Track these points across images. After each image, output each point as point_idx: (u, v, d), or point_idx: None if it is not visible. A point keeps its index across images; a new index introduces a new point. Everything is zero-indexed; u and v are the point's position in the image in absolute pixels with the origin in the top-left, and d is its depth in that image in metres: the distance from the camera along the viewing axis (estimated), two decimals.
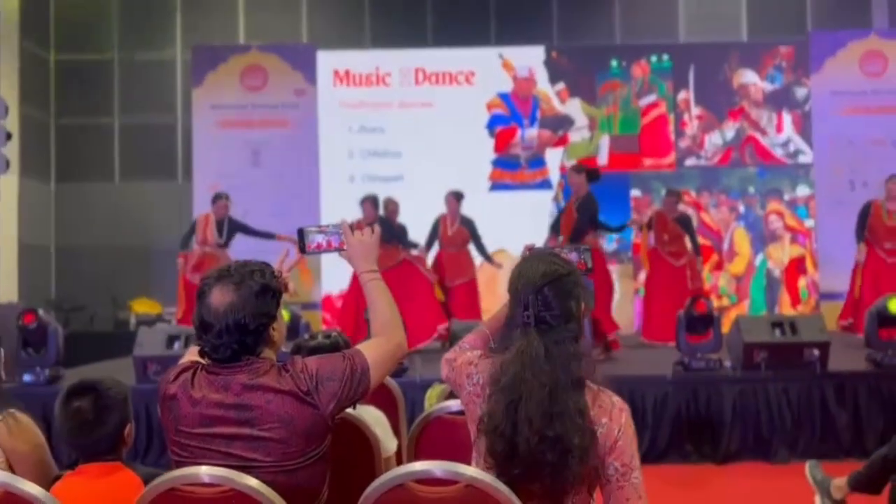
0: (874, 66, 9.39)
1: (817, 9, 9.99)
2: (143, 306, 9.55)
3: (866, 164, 9.08)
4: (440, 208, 7.57)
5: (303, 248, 2.15)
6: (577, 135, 9.58)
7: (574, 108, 9.57)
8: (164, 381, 1.90)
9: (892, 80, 9.36)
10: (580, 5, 10.05)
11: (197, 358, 1.98)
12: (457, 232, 7.59)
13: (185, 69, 10.06)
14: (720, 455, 5.07)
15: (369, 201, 7.22)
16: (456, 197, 7.58)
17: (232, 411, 1.81)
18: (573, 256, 1.99)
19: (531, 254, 1.94)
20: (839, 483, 3.41)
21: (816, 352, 5.16)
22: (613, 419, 1.74)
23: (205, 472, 1.72)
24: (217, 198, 7.58)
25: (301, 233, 2.14)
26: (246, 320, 1.83)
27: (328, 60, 9.54)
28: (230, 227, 7.54)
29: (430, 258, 7.56)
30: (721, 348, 5.45)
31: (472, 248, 7.65)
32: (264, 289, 1.87)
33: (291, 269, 2.19)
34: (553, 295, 1.78)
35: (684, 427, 5.15)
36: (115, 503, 1.85)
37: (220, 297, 1.84)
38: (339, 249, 2.12)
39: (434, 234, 7.62)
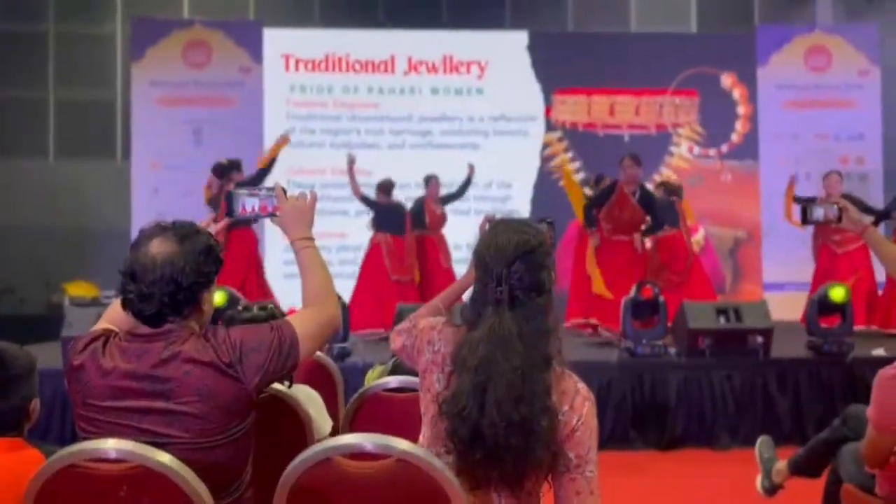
0: (818, 60, 9.53)
1: (764, 2, 10.11)
2: (78, 289, 9.19)
3: (809, 158, 9.23)
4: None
5: (231, 212, 2.02)
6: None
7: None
8: (72, 350, 1.74)
9: (836, 75, 9.52)
10: None
11: (110, 325, 1.83)
12: (442, 213, 7.56)
13: (125, 43, 9.69)
14: (664, 441, 5.08)
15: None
16: (434, 179, 7.53)
17: (145, 382, 1.66)
18: (541, 228, 1.88)
19: (498, 223, 1.79)
20: (780, 467, 3.40)
21: (760, 338, 5.20)
22: (575, 408, 1.63)
23: (111, 446, 1.56)
24: (228, 169, 6.88)
25: (230, 196, 2.01)
26: (182, 276, 1.69)
27: (275, 38, 9.28)
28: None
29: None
30: (667, 334, 5.45)
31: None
32: (208, 249, 1.75)
33: (219, 235, 2.04)
34: (525, 268, 1.67)
35: (629, 413, 5.14)
36: (16, 483, 1.68)
37: (159, 246, 1.71)
38: (272, 214, 1.99)
39: (418, 217, 7.51)
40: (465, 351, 1.64)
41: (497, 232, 1.74)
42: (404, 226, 7.39)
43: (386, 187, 7.44)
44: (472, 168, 7.82)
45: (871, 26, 9.35)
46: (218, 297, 5.19)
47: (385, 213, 7.38)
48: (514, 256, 1.67)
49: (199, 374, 1.66)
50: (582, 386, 1.67)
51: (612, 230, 6.52)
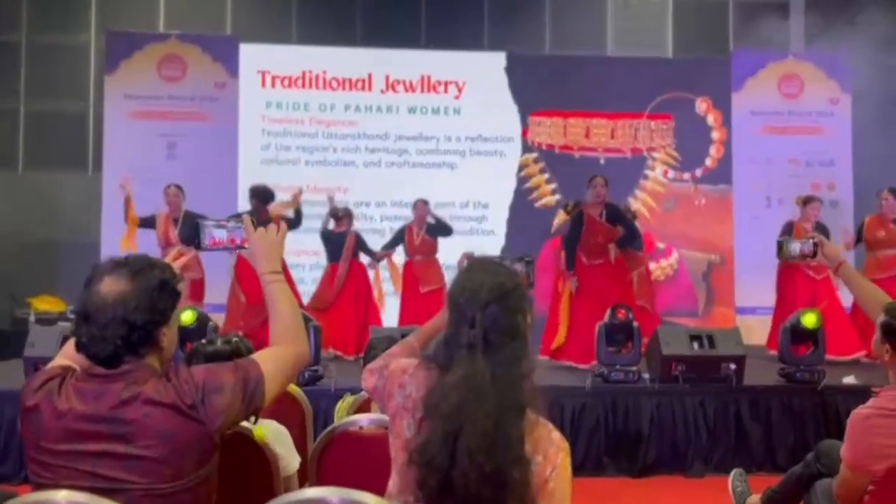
0: (791, 87, 9.66)
1: (739, 29, 10.24)
2: (44, 304, 9.01)
3: (782, 183, 9.34)
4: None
5: (199, 244, 1.96)
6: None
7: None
8: (28, 389, 1.67)
9: (808, 102, 9.65)
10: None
11: (67, 362, 1.76)
12: (423, 240, 7.50)
13: (99, 55, 9.57)
14: (637, 468, 5.05)
15: (250, 190, 7.03)
16: (424, 203, 7.50)
17: (103, 425, 1.59)
18: (518, 268, 1.83)
19: (473, 263, 1.76)
20: (753, 501, 3.39)
21: (733, 366, 5.20)
22: (549, 458, 1.58)
23: (63, 497, 1.49)
24: (167, 187, 7.12)
25: (198, 227, 1.95)
26: (135, 315, 1.63)
27: (251, 54, 9.22)
28: (185, 221, 7.05)
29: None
30: (640, 360, 5.44)
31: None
32: (162, 285, 1.68)
33: (184, 267, 1.98)
34: (500, 311, 1.63)
35: (602, 439, 5.11)
36: None
37: (110, 286, 1.64)
38: (240, 247, 1.94)
39: (397, 241, 7.53)
40: (436, 397, 1.58)
41: (472, 273, 1.69)
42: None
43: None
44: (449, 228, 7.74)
45: (842, 55, 9.50)
46: (186, 316, 5.14)
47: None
48: (488, 299, 1.63)
49: (159, 416, 1.60)
50: (556, 435, 1.62)
51: (588, 256, 6.56)
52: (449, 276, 7.64)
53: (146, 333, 1.65)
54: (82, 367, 1.70)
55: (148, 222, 7.15)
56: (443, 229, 7.65)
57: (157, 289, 1.66)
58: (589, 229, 6.54)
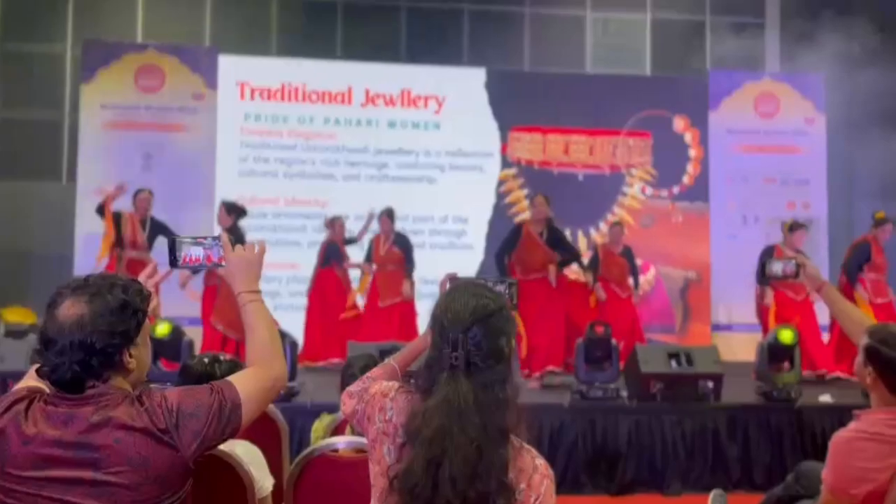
0: (767, 107, 9.77)
1: (716, 48, 10.36)
2: (15, 315, 8.82)
3: (758, 201, 9.43)
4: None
5: (174, 262, 1.90)
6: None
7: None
8: None
9: (783, 121, 9.76)
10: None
11: (36, 383, 1.70)
12: (389, 251, 7.46)
13: (75, 64, 9.46)
14: (615, 486, 5.03)
15: (222, 206, 6.95)
16: (389, 216, 7.47)
17: (72, 451, 1.54)
18: (501, 289, 1.80)
19: (457, 285, 1.72)
20: None
21: (710, 383, 5.21)
22: (532, 486, 1.55)
23: None
24: (138, 191, 7.06)
25: (173, 243, 1.89)
26: (93, 338, 1.57)
27: (230, 65, 9.15)
28: (153, 228, 6.99)
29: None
30: (618, 378, 5.43)
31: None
32: (124, 305, 1.62)
33: (159, 285, 1.93)
34: (483, 334, 1.60)
35: (580, 457, 5.09)
36: None
37: (69, 310, 1.59)
38: (217, 265, 1.89)
39: (368, 253, 7.63)
40: (418, 422, 1.55)
41: (455, 294, 1.66)
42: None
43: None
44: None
45: (816, 75, 9.63)
46: (162, 328, 5.06)
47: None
48: (471, 321, 1.60)
49: (131, 441, 1.55)
50: (540, 462, 1.59)
51: (524, 271, 6.68)
52: (424, 292, 7.64)
53: (107, 357, 1.60)
54: (51, 389, 1.65)
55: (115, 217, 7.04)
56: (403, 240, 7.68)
57: (118, 310, 1.61)
58: (525, 245, 6.81)
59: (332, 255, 7.66)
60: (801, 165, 9.67)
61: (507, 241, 6.95)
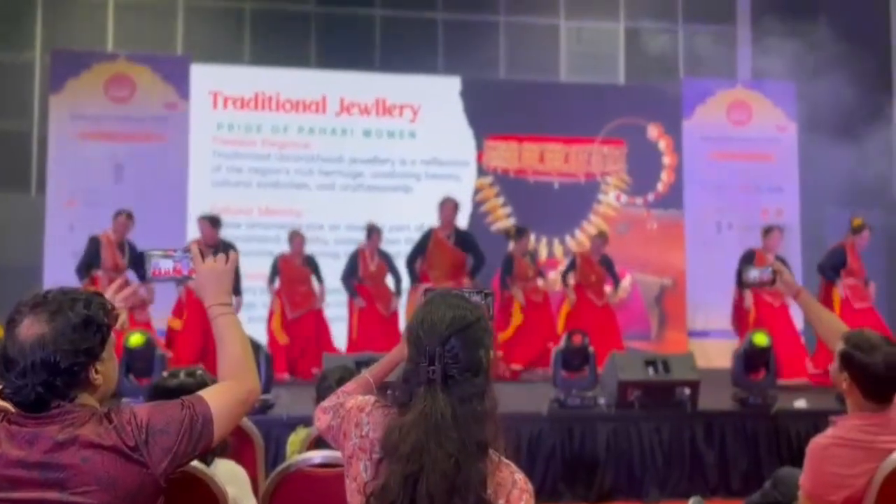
0: (740, 114, 9.88)
1: (689, 57, 10.45)
2: None
3: (732, 208, 9.52)
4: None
5: (143, 275, 1.87)
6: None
7: None
8: None
9: (756, 129, 9.87)
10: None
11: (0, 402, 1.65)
12: (378, 266, 7.45)
13: (44, 73, 9.32)
14: (593, 494, 5.02)
15: (206, 220, 6.86)
16: (377, 232, 7.44)
17: (37, 471, 1.49)
18: (478, 300, 1.77)
19: (433, 296, 1.69)
20: None
21: (687, 390, 5.23)
22: (511, 502, 1.52)
23: None
24: (117, 214, 6.93)
25: (142, 257, 1.86)
26: (56, 357, 1.52)
27: (203, 74, 9.07)
28: (131, 254, 6.84)
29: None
30: (596, 385, 5.43)
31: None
32: (86, 322, 1.57)
33: (128, 300, 1.88)
34: (461, 345, 1.57)
35: (558, 465, 5.07)
36: None
37: (29, 329, 1.54)
38: (187, 278, 1.85)
39: (353, 268, 7.47)
40: (394, 437, 1.51)
41: (431, 306, 1.63)
42: None
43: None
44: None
45: (788, 84, 9.75)
46: (135, 339, 4.97)
47: None
48: (448, 333, 1.57)
49: (99, 460, 1.50)
50: (520, 476, 1.56)
51: (437, 276, 6.72)
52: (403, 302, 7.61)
53: (71, 376, 1.55)
54: (15, 409, 1.60)
55: (92, 248, 6.92)
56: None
57: (81, 327, 1.56)
58: (435, 248, 6.95)
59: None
60: (773, 173, 9.77)
61: (416, 247, 7.05)
